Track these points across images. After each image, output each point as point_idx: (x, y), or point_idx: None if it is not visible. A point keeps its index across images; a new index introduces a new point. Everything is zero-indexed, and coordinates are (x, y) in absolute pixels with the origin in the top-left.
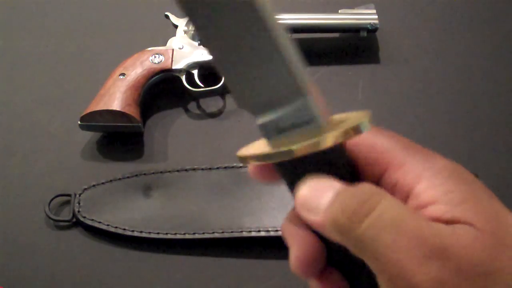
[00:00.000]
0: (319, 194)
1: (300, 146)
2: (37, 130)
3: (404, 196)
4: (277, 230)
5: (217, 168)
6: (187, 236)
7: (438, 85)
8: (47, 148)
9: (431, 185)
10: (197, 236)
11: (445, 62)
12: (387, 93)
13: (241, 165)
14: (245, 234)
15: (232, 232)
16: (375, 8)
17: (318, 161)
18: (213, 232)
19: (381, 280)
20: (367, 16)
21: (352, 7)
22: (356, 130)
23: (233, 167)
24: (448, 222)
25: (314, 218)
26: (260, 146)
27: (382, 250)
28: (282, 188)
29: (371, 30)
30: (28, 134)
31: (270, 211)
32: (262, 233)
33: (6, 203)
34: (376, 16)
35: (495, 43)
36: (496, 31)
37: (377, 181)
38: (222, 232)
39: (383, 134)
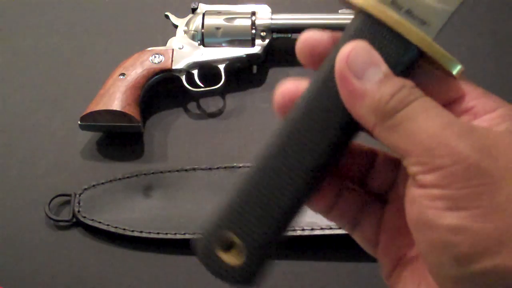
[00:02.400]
0: (371, 62)
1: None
2: (37, 130)
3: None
4: None
5: (217, 168)
6: (187, 236)
7: None
8: (47, 148)
9: (503, 115)
10: (197, 236)
11: None
12: None
13: (241, 165)
14: None
15: None
16: None
17: (394, 44)
18: None
19: (413, 160)
20: None
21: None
22: (450, 64)
23: (233, 167)
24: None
25: (357, 84)
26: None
27: (422, 127)
28: None
29: None
30: (28, 134)
31: None
32: None
33: (6, 203)
34: None
35: (495, 43)
36: (496, 31)
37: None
38: None
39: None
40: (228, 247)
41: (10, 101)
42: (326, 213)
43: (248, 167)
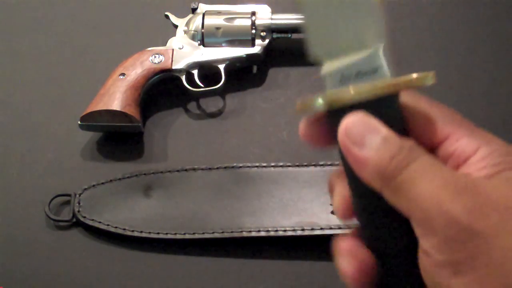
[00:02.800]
0: (368, 129)
1: (373, 86)
2: (37, 130)
3: (457, 165)
4: (277, 230)
5: (217, 168)
6: (187, 236)
7: (438, 85)
8: (47, 148)
9: (485, 156)
10: (197, 236)
11: (445, 62)
12: None
13: (241, 165)
14: (245, 234)
15: (232, 232)
16: None
17: (374, 107)
18: (213, 232)
19: (415, 223)
20: None
21: None
22: (422, 79)
23: (233, 167)
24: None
25: (358, 152)
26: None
27: (420, 190)
28: (282, 188)
29: None
30: (28, 134)
31: (270, 211)
32: (262, 233)
33: (6, 203)
34: None
35: (495, 43)
36: (496, 31)
37: (431, 150)
38: (222, 232)
39: (444, 109)
40: None
41: (10, 101)
42: None
43: (248, 167)
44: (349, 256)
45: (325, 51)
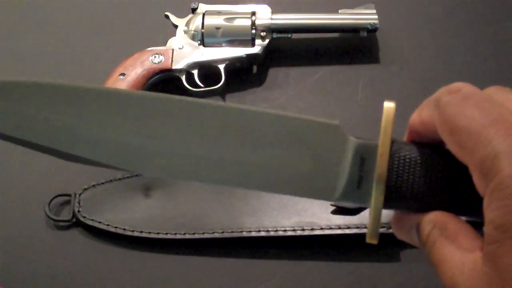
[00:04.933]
0: (404, 232)
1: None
2: None
3: None
4: (277, 230)
5: None
6: (187, 236)
7: (438, 85)
8: None
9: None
10: (197, 236)
11: (445, 62)
12: (387, 93)
13: None
14: (245, 234)
15: (232, 232)
16: (375, 8)
17: None
18: (213, 232)
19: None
20: (367, 16)
21: (352, 7)
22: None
23: None
24: None
25: (410, 240)
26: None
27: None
28: None
29: (371, 30)
30: None
31: (270, 211)
32: (262, 233)
33: (6, 203)
34: (376, 16)
35: (495, 43)
36: (496, 31)
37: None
38: (222, 232)
39: None
40: None
41: None
42: None
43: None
44: None
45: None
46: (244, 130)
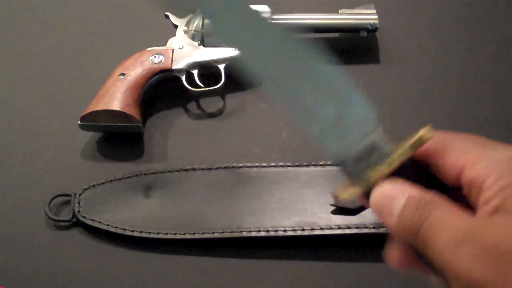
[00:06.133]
0: (389, 201)
1: (387, 164)
2: (37, 130)
3: (478, 192)
4: (276, 230)
5: (217, 168)
6: (187, 236)
7: (438, 85)
8: (47, 148)
9: (493, 182)
10: (197, 236)
11: (445, 62)
12: (387, 93)
13: (241, 165)
14: (245, 234)
15: (232, 232)
16: (375, 8)
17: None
18: (213, 232)
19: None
20: (367, 16)
21: (352, 7)
22: (423, 138)
23: (233, 167)
24: (494, 209)
25: (390, 221)
26: (350, 188)
27: (436, 243)
28: (282, 188)
29: (371, 30)
30: (28, 134)
31: (270, 211)
32: (262, 233)
33: (6, 203)
34: (376, 16)
35: (495, 43)
36: (496, 31)
37: (458, 182)
38: (222, 232)
39: (453, 137)
40: None
41: (10, 101)
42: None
43: (248, 167)
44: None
45: (338, 149)
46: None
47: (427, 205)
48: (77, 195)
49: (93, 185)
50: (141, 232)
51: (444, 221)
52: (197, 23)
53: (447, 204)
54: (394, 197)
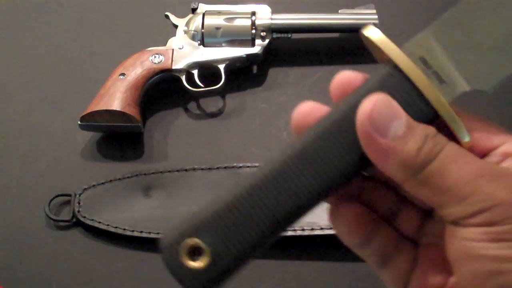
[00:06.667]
0: (392, 114)
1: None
2: (37, 130)
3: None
4: None
5: (217, 168)
6: None
7: None
8: (47, 148)
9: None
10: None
11: None
12: None
13: (241, 165)
14: None
15: None
16: (375, 8)
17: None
18: None
19: (445, 212)
20: (367, 16)
21: (352, 7)
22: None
23: (233, 167)
24: None
25: (381, 141)
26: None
27: (455, 178)
28: None
29: None
30: (28, 134)
31: None
32: None
33: (6, 203)
34: (376, 16)
35: None
36: None
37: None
38: None
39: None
40: (195, 253)
41: (10, 101)
42: (360, 246)
43: (248, 167)
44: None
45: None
46: None
47: (437, 138)
48: (77, 195)
49: (93, 185)
50: (141, 232)
51: (464, 155)
52: (197, 23)
53: (455, 143)
54: (396, 113)
